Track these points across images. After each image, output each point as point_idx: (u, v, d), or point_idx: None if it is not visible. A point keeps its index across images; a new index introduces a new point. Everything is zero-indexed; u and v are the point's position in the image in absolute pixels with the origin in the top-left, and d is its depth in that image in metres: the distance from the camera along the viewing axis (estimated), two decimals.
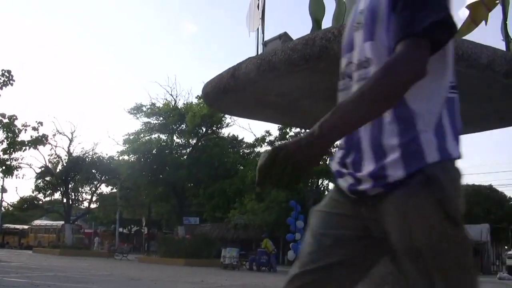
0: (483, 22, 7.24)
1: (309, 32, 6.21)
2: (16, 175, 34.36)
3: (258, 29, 6.97)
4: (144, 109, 46.66)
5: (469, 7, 7.33)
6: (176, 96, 47.38)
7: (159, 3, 76.77)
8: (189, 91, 59.66)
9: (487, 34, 7.16)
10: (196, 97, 44.56)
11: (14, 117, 30.34)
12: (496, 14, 7.00)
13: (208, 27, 76.10)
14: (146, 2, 76.52)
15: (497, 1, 7.05)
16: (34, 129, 33.38)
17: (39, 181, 51.12)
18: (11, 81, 24.39)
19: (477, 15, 7.25)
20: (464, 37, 6.63)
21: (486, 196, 55.37)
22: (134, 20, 79.11)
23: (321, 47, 4.72)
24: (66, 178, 49.51)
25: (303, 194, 40.67)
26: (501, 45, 6.57)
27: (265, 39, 6.59)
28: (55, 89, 75.53)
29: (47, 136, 36.50)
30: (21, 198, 53.95)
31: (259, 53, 6.57)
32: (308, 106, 6.81)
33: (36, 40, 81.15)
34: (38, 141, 35.16)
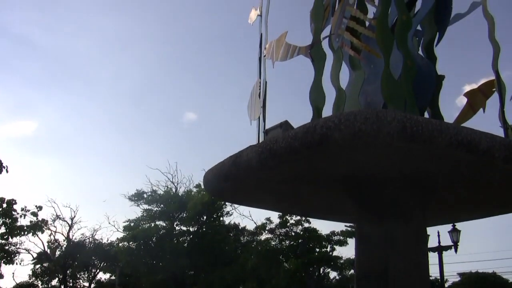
0: (481, 109, 7.32)
1: (310, 120, 6.28)
2: (15, 261, 33.99)
3: (259, 117, 7.03)
4: (145, 195, 46.57)
5: (467, 94, 7.44)
6: (177, 183, 47.31)
7: (158, 91, 77.94)
8: (190, 178, 59.68)
9: (485, 121, 7.23)
10: (195, 186, 44.68)
11: (13, 202, 30.17)
12: (493, 101, 7.09)
13: (209, 116, 76.94)
14: (146, 91, 77.62)
15: (494, 89, 7.14)
16: (34, 214, 33.20)
17: (37, 266, 50.48)
18: (2, 170, 24.43)
19: (475, 103, 7.34)
20: (463, 124, 6.70)
21: (491, 283, 54.68)
22: (135, 108, 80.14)
23: (322, 135, 4.75)
24: (64, 264, 48.90)
25: (305, 282, 40.05)
26: (500, 132, 6.63)
27: (266, 127, 6.64)
28: (56, 174, 75.77)
29: (47, 221, 36.24)
30: (17, 284, 53.00)
31: (260, 141, 6.62)
32: (309, 194, 6.80)
33: (38, 126, 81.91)
34: (37, 227, 34.89)
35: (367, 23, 7.12)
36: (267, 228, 44.76)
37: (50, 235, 48.55)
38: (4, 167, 24.30)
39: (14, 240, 34.44)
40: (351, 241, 40.81)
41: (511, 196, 6.65)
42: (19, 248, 40.90)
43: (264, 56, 7.60)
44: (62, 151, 75.58)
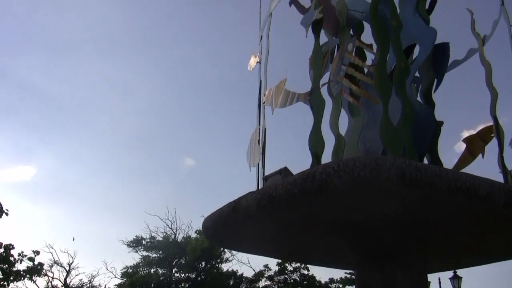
0: (480, 155, 7.33)
1: (309, 167, 6.28)
2: None
3: (258, 164, 7.03)
4: (144, 242, 46.28)
5: (466, 140, 7.46)
6: (176, 230, 47.02)
7: (157, 138, 77.84)
8: (189, 224, 59.46)
9: (485, 167, 7.23)
10: (196, 232, 44.42)
11: (11, 247, 29.87)
12: (492, 147, 7.11)
13: (208, 162, 76.58)
14: (145, 137, 77.55)
15: (493, 135, 7.16)
16: (30, 259, 32.88)
17: None
18: (2, 213, 24.38)
19: (474, 149, 7.35)
20: (462, 170, 6.70)
21: None
22: (134, 154, 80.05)
23: (321, 182, 4.74)
24: None
25: None
26: (499, 177, 6.63)
27: (265, 174, 6.63)
28: (54, 219, 75.17)
29: (43, 264, 35.84)
30: None
31: (259, 187, 6.60)
32: (308, 241, 6.76)
33: (37, 171, 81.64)
34: (35, 271, 34.49)
35: (365, 70, 7.18)
36: (265, 275, 44.41)
37: (47, 282, 48.01)
38: (4, 211, 24.24)
39: (11, 286, 33.95)
40: None
41: (510, 242, 6.61)
42: None
43: (264, 102, 7.64)
44: (60, 197, 75.18)
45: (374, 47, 7.22)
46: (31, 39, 76.28)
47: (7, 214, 24.41)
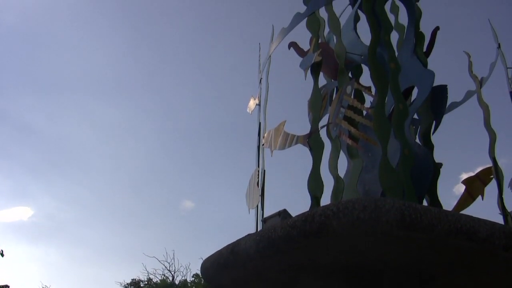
0: (480, 196, 7.34)
1: (308, 209, 6.27)
2: None
3: (257, 206, 7.02)
4: (142, 284, 45.94)
5: (465, 182, 7.47)
6: (174, 272, 46.70)
7: (156, 180, 77.62)
8: (187, 266, 59.26)
9: (484, 209, 7.23)
10: (193, 276, 44.15)
11: None
12: (492, 189, 7.12)
13: (206, 204, 76.09)
14: (143, 180, 77.34)
15: (492, 176, 7.18)
16: None
17: None
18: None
19: (473, 190, 7.36)
20: (462, 212, 6.69)
21: None
22: (133, 197, 79.72)
23: (320, 224, 4.73)
24: None
25: None
26: (499, 219, 6.62)
27: (264, 216, 6.61)
28: (51, 261, 74.50)
29: None
30: None
31: (258, 229, 6.58)
32: (307, 283, 6.71)
33: (34, 212, 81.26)
34: None
35: (364, 113, 7.21)
36: None
37: None
38: (0, 252, 24.15)
39: None
40: None
41: (510, 283, 6.56)
42: None
43: (263, 145, 7.65)
44: (57, 238, 74.63)
45: (373, 89, 7.27)
46: (31, 80, 76.79)
47: (3, 254, 24.33)
